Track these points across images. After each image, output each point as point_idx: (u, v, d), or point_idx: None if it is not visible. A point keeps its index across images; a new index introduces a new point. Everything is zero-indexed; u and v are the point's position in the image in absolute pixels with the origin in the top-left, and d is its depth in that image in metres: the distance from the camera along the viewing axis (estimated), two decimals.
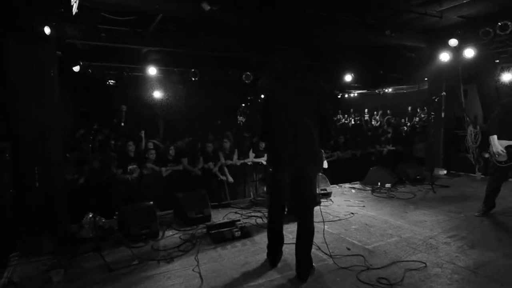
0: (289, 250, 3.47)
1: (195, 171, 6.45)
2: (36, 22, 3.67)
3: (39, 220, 3.80)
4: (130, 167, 5.91)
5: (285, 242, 3.26)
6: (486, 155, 4.40)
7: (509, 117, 4.23)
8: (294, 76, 3.00)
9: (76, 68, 7.08)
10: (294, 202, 3.08)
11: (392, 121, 12.32)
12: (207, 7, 4.72)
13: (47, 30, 3.73)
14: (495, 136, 4.28)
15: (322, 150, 3.25)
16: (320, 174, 5.97)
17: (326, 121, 2.95)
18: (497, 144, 4.25)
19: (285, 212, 3.30)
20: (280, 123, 2.88)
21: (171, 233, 4.14)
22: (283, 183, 2.97)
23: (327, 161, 7.73)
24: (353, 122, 14.63)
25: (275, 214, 3.16)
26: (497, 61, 7.28)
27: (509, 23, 5.81)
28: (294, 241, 3.02)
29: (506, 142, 4.22)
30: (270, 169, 3.05)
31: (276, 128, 2.91)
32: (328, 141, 3.09)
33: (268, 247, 3.26)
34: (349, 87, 14.51)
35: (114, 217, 4.53)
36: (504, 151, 4.20)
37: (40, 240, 3.64)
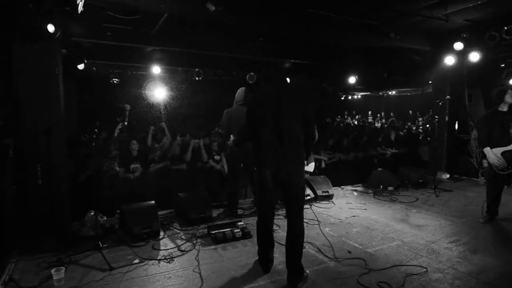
0: None
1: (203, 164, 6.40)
2: (40, 20, 3.68)
3: (41, 217, 3.82)
4: (132, 165, 5.92)
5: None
6: (485, 164, 4.39)
7: (495, 126, 4.26)
8: (272, 83, 3.11)
9: (81, 66, 7.11)
10: (285, 204, 3.06)
11: (396, 124, 12.29)
12: (212, 7, 4.73)
13: (50, 28, 3.74)
14: (488, 148, 4.28)
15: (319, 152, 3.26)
16: (322, 176, 5.99)
17: (309, 126, 2.99)
18: (492, 156, 4.24)
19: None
20: (266, 127, 2.91)
21: (172, 232, 4.15)
22: (267, 185, 2.95)
23: (329, 163, 7.77)
24: (356, 124, 14.61)
25: (264, 219, 3.10)
26: (503, 65, 7.24)
27: None
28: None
29: (501, 149, 4.21)
30: (255, 168, 3.06)
31: (261, 132, 2.93)
32: (309, 145, 3.09)
33: (259, 252, 3.18)
34: (353, 89, 14.49)
35: (116, 215, 4.54)
36: (501, 159, 4.19)
37: (42, 237, 3.65)
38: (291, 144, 2.89)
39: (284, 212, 4.21)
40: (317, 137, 3.11)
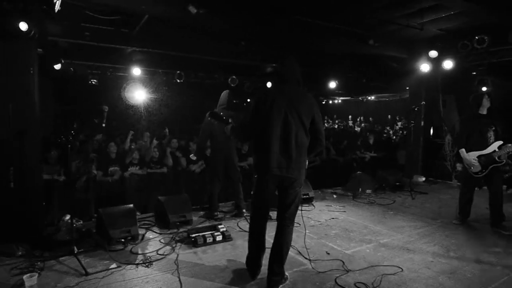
0: None
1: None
2: (13, 18, 3.55)
3: (13, 221, 3.67)
4: (111, 168, 5.81)
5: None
6: (459, 168, 4.55)
7: (475, 130, 4.44)
8: (293, 82, 2.95)
9: (58, 66, 6.91)
10: (279, 210, 2.96)
11: (375, 128, 12.59)
12: (193, 10, 4.73)
13: (23, 26, 3.60)
14: (463, 150, 4.46)
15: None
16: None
17: (319, 132, 2.91)
18: (467, 157, 4.41)
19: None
20: (274, 127, 2.79)
21: (151, 236, 4.09)
22: (268, 189, 2.91)
23: (309, 166, 7.88)
24: (336, 128, 14.88)
25: (258, 222, 3.02)
26: (474, 73, 7.56)
27: (485, 37, 6.07)
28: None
29: (477, 153, 4.38)
30: (255, 176, 2.95)
31: (269, 132, 2.79)
32: (315, 151, 3.00)
33: (248, 257, 3.09)
34: (333, 93, 14.76)
35: (93, 219, 4.43)
36: (477, 160, 4.36)
37: (14, 242, 3.51)
38: (298, 148, 2.81)
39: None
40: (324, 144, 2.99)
